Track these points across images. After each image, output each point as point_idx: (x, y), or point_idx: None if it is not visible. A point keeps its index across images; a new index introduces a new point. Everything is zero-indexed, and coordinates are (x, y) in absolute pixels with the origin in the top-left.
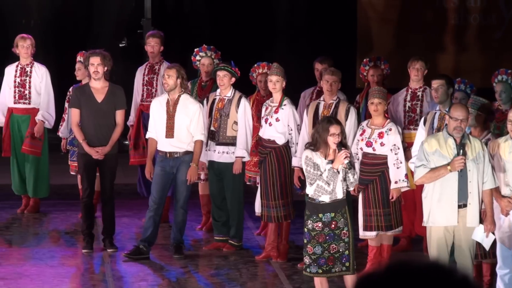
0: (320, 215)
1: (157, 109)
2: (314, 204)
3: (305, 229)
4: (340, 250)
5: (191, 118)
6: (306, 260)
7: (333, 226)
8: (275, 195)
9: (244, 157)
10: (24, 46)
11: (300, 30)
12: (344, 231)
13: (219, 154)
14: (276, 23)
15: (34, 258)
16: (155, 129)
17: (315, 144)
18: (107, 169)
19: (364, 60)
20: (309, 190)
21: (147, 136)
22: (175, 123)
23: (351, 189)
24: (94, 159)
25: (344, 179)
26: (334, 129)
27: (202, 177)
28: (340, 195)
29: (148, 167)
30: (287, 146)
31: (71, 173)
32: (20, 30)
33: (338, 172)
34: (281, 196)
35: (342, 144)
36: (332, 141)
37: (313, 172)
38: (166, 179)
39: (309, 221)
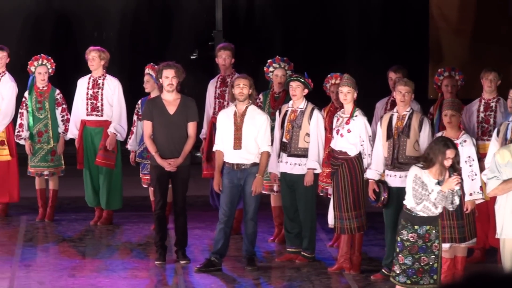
0: (416, 227)
1: (224, 120)
2: (411, 215)
3: (398, 238)
4: (430, 263)
5: (259, 129)
6: (396, 268)
7: (426, 239)
8: (347, 207)
9: (316, 169)
10: (94, 57)
11: (372, 40)
12: (436, 243)
13: (291, 165)
14: (348, 33)
15: (107, 269)
16: (222, 141)
17: (426, 163)
18: (180, 181)
19: (439, 70)
20: (410, 203)
21: (214, 149)
22: (243, 135)
23: (451, 209)
24: (167, 171)
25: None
26: (450, 153)
27: (275, 188)
28: (439, 211)
29: (216, 180)
30: (359, 157)
31: (143, 185)
32: (92, 43)
33: (446, 197)
34: (353, 208)
35: (454, 169)
36: (446, 164)
37: (420, 192)
38: (234, 191)
39: (404, 231)
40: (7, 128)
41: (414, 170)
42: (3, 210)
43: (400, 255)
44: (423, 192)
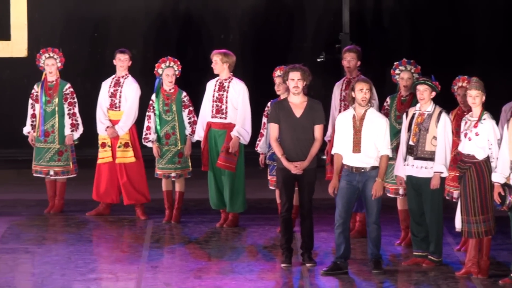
0: None
1: (343, 124)
2: None
3: None
4: None
5: (378, 132)
6: None
7: None
8: (475, 211)
9: (442, 172)
10: (216, 61)
11: (501, 43)
12: None
13: (418, 169)
14: (476, 36)
15: (233, 272)
16: (341, 144)
17: None
18: (306, 183)
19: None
20: None
21: (332, 152)
22: (362, 138)
23: None
24: (293, 174)
25: None
26: None
27: (401, 192)
28: None
29: (332, 183)
30: (487, 161)
31: (270, 187)
32: (219, 45)
33: None
34: (481, 212)
35: None
36: None
37: None
38: (351, 193)
39: None
40: (131, 130)
41: None
42: (141, 211)
43: None
44: None
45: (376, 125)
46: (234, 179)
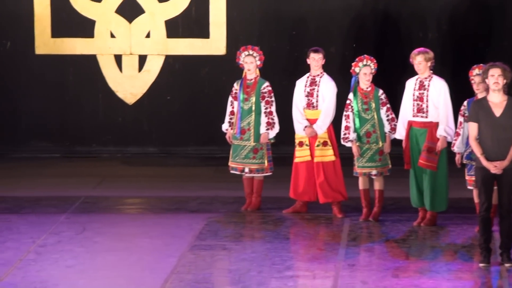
0: None
1: None
2: None
3: None
4: None
5: None
6: None
7: None
8: None
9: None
10: (420, 61)
11: None
12: None
13: None
14: None
15: (431, 271)
16: None
17: None
18: (505, 183)
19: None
20: None
21: None
22: None
23: None
24: (492, 173)
25: None
26: None
27: None
28: None
29: None
30: None
31: (468, 187)
32: (417, 43)
33: None
34: None
35: None
36: None
37: None
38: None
39: None
40: (328, 128)
41: None
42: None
43: None
44: None
45: None
46: (436, 178)
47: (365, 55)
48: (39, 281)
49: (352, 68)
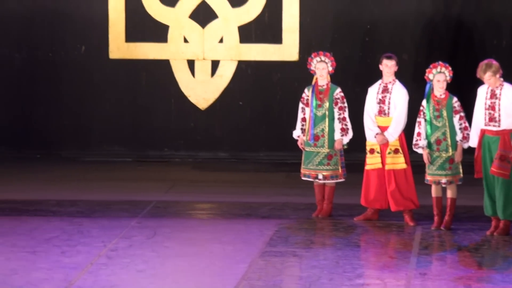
0: None
1: None
2: None
3: None
4: None
5: None
6: None
7: None
8: None
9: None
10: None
11: None
12: None
13: None
14: None
15: (504, 281)
16: None
17: None
18: None
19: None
20: None
21: None
22: None
23: None
24: None
25: None
26: None
27: None
28: None
29: None
30: None
31: None
32: (491, 51)
33: None
34: None
35: None
36: None
37: None
38: None
39: None
40: (400, 136)
41: None
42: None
43: None
44: None
45: None
46: (509, 186)
47: (440, 62)
48: (110, 286)
49: (426, 74)
